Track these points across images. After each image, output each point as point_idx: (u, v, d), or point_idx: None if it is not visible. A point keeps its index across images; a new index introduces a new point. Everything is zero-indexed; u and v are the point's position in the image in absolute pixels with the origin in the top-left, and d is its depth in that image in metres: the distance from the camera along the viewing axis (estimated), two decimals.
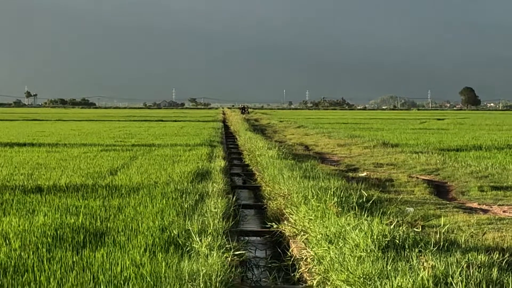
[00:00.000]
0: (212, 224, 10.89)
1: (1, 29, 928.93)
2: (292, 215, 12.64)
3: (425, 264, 7.86)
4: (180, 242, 9.84)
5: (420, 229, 10.88)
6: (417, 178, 20.13)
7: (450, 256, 8.39)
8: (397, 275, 7.56)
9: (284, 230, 12.40)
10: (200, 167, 20.44)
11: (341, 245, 9.33)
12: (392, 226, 10.08)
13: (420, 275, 7.41)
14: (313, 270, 9.51)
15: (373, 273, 7.86)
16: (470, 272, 7.54)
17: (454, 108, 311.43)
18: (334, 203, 12.42)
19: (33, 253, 9.09)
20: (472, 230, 11.43)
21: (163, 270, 8.23)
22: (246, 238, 12.97)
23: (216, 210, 12.29)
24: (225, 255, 9.03)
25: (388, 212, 12.34)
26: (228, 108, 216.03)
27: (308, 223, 11.50)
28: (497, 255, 8.58)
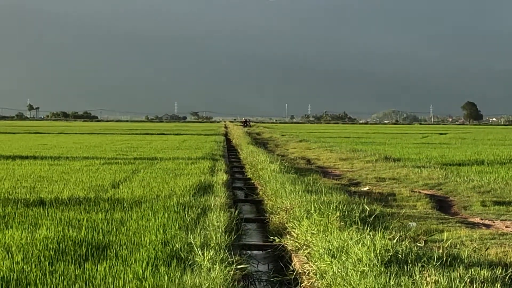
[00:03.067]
0: (214, 238, 10.88)
1: (3, 42, 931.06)
2: (295, 229, 12.63)
3: (428, 279, 7.85)
4: (182, 255, 9.84)
5: (423, 244, 10.87)
6: (420, 192, 20.12)
7: (453, 271, 8.39)
8: None
9: (286, 244, 12.38)
10: (202, 180, 20.43)
11: (343, 259, 9.32)
12: (394, 241, 10.08)
13: None
14: (315, 284, 9.50)
15: (376, 287, 7.85)
16: (473, 287, 7.53)
17: (456, 122, 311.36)
18: (336, 217, 12.41)
19: (35, 267, 9.08)
20: (475, 245, 11.41)
21: (165, 284, 8.22)
22: (249, 252, 12.95)
23: (218, 224, 12.29)
24: (227, 269, 9.03)
25: (391, 227, 12.33)
26: (230, 121, 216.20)
27: (310, 237, 11.49)
28: (500, 271, 8.57)
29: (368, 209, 13.79)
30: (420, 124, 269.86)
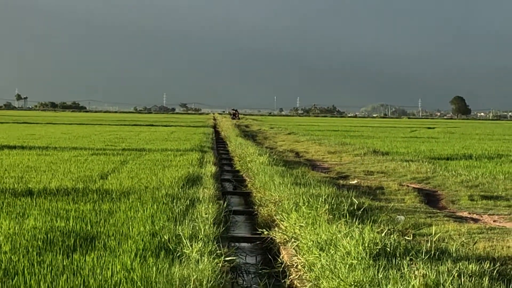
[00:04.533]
0: (203, 230, 10.87)
1: None
2: (283, 221, 12.64)
3: (416, 272, 7.87)
4: (171, 247, 9.82)
5: (411, 237, 10.90)
6: (408, 186, 20.16)
7: (441, 265, 8.40)
8: (388, 283, 7.57)
9: (274, 237, 12.38)
10: (191, 172, 20.42)
11: (332, 252, 9.33)
12: (383, 234, 10.10)
13: (411, 284, 7.41)
14: (303, 277, 9.50)
15: (364, 280, 7.86)
16: (461, 281, 7.55)
17: (445, 117, 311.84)
18: (325, 210, 12.43)
19: (23, 257, 9.05)
20: (463, 239, 11.44)
21: (153, 275, 8.21)
22: (237, 244, 12.95)
23: (207, 215, 12.28)
24: (215, 260, 9.02)
25: (379, 220, 12.36)
26: (219, 113, 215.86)
27: (299, 230, 11.49)
28: (488, 265, 8.60)
29: (357, 202, 13.83)
30: (409, 118, 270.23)
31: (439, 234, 11.48)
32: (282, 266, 10.74)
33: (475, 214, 15.43)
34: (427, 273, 7.80)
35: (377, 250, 9.11)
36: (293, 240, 11.40)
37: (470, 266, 8.47)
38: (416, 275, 7.73)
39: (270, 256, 11.75)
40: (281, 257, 11.24)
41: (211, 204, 13.73)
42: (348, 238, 9.72)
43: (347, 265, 8.54)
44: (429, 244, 9.79)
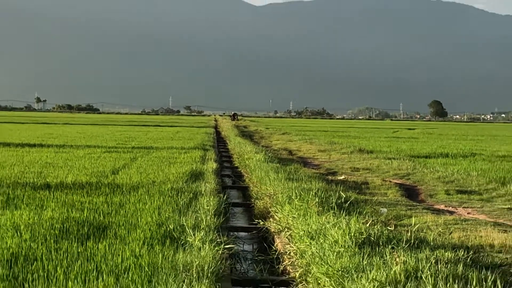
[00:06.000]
0: (204, 220, 10.87)
1: (14, 40, 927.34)
2: (277, 213, 12.63)
3: (397, 259, 7.86)
4: (175, 236, 9.81)
5: (393, 227, 10.90)
6: (390, 181, 20.15)
7: (420, 252, 8.40)
8: (372, 269, 7.56)
9: (269, 227, 12.37)
10: (194, 168, 20.39)
11: (321, 241, 9.32)
12: (367, 225, 10.09)
13: (393, 269, 7.41)
14: (295, 263, 9.50)
15: (351, 266, 7.86)
16: (438, 267, 7.55)
17: (424, 119, 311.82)
18: (315, 203, 12.42)
19: (41, 244, 9.04)
20: (440, 229, 11.44)
21: (160, 261, 8.20)
22: (235, 233, 12.93)
23: (208, 207, 12.27)
24: (216, 248, 9.01)
25: (364, 212, 12.34)
26: (220, 115, 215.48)
27: (291, 220, 11.48)
28: (462, 253, 8.60)
29: (344, 196, 13.81)
30: (391, 120, 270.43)
31: (418, 225, 11.49)
32: (276, 253, 10.74)
33: (450, 207, 15.43)
34: (407, 260, 7.80)
35: (362, 239, 9.11)
36: (286, 230, 11.39)
37: (446, 253, 8.46)
38: (397, 261, 7.73)
39: (265, 244, 11.74)
40: (275, 245, 11.23)
41: (212, 197, 13.72)
42: (336, 228, 9.71)
43: (335, 253, 8.54)
44: (409, 234, 9.78)
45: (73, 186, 15.33)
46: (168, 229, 10.19)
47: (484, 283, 6.96)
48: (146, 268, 7.89)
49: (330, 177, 21.34)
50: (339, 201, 13.19)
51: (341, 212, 11.63)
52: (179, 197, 13.71)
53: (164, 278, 7.43)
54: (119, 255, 8.47)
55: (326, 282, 7.79)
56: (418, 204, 15.85)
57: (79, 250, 8.75)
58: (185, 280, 7.32)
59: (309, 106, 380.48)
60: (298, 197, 13.11)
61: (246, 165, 23.36)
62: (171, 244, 9.28)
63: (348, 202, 13.18)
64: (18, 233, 9.70)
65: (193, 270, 7.76)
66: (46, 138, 39.95)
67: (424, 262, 7.73)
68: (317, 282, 8.01)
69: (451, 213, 14.45)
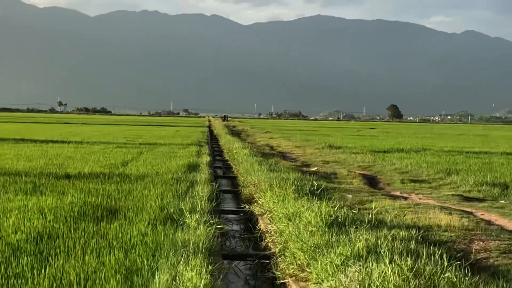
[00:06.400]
0: (199, 204, 10.85)
1: (40, 55, 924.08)
2: (261, 198, 12.62)
3: (360, 237, 7.88)
4: (175, 217, 9.79)
5: (357, 211, 10.93)
6: (355, 172, 20.19)
7: (379, 231, 8.43)
8: (339, 245, 7.58)
9: (254, 210, 12.37)
10: (191, 161, 20.35)
11: (297, 222, 9.33)
12: (336, 208, 10.11)
13: (357, 246, 7.43)
14: (276, 240, 9.50)
15: (321, 243, 7.87)
16: (394, 244, 7.58)
17: (383, 120, 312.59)
18: (292, 190, 12.43)
19: (63, 224, 9.00)
20: (396, 212, 11.47)
21: (162, 238, 8.19)
22: (226, 215, 12.93)
23: (203, 194, 12.25)
24: (209, 228, 9.00)
25: (333, 198, 12.37)
26: (213, 117, 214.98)
27: (272, 205, 11.48)
28: (414, 231, 8.63)
29: (316, 184, 13.84)
30: (356, 121, 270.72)
31: (378, 208, 11.53)
32: (260, 232, 10.73)
33: (405, 193, 15.47)
34: (369, 237, 7.82)
35: (331, 220, 9.12)
36: (268, 212, 11.39)
37: (401, 232, 8.50)
38: (360, 239, 7.75)
39: (250, 225, 11.73)
40: (259, 225, 11.23)
41: (206, 185, 13.70)
42: (309, 211, 9.73)
43: (308, 232, 8.55)
44: (370, 216, 9.82)
45: (89, 176, 15.27)
46: (169, 212, 10.17)
47: (432, 257, 6.99)
48: (150, 244, 7.87)
49: (304, 169, 21.36)
50: (312, 189, 13.21)
51: (314, 197, 11.65)
52: (178, 185, 13.69)
53: (165, 253, 7.42)
54: (127, 233, 8.44)
55: (301, 256, 7.79)
56: (378, 191, 15.89)
57: (94, 230, 8.71)
58: (183, 255, 7.31)
59: (287, 109, 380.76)
60: (278, 185, 13.11)
61: (234, 159, 23.35)
62: (171, 225, 9.26)
63: (320, 190, 13.20)
64: (43, 215, 9.65)
65: (190, 246, 7.75)
66: (66, 135, 39.76)
67: (382, 239, 7.76)
68: (293, 256, 8.02)
69: (405, 198, 14.50)
